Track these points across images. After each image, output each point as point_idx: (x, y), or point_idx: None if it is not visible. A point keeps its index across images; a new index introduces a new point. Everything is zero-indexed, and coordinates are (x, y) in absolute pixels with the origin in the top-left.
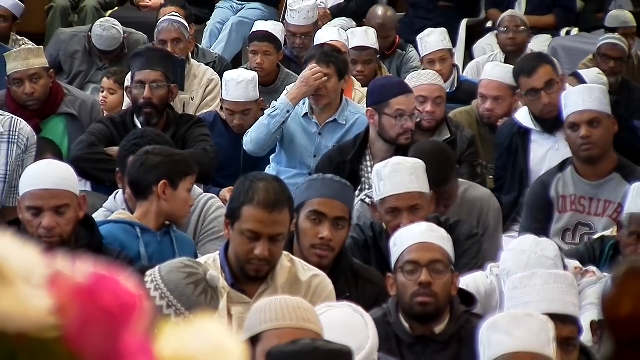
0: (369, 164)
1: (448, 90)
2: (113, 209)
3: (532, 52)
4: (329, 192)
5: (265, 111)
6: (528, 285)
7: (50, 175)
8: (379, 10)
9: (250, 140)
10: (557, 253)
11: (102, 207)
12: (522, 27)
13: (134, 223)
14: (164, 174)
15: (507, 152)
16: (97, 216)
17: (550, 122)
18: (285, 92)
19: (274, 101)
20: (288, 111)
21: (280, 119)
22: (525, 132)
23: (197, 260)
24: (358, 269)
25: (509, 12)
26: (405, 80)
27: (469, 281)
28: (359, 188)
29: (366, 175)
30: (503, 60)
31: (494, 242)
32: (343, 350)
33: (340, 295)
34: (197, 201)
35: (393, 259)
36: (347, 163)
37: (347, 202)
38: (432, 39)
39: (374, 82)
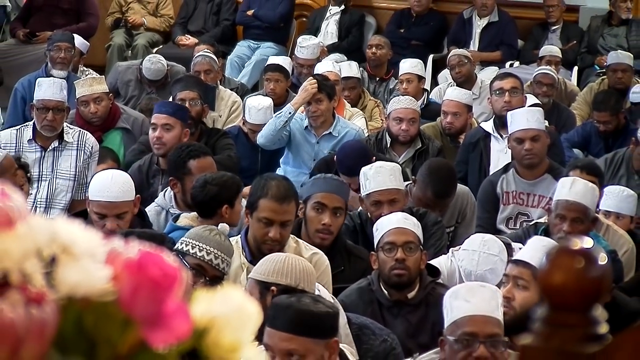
0: None
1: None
2: (163, 204)
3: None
4: (329, 187)
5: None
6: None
7: (113, 189)
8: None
9: (261, 135)
10: (501, 248)
11: (153, 202)
12: (465, 60)
13: None
14: (225, 200)
15: (472, 148)
16: (150, 209)
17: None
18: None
19: None
20: (290, 112)
21: (283, 119)
22: (487, 136)
23: None
24: (350, 248)
25: (453, 52)
26: (388, 104)
27: (435, 264)
28: None
29: None
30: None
31: (469, 228)
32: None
33: (336, 269)
34: None
35: (375, 241)
36: None
37: (343, 195)
38: (405, 65)
39: (339, 150)
